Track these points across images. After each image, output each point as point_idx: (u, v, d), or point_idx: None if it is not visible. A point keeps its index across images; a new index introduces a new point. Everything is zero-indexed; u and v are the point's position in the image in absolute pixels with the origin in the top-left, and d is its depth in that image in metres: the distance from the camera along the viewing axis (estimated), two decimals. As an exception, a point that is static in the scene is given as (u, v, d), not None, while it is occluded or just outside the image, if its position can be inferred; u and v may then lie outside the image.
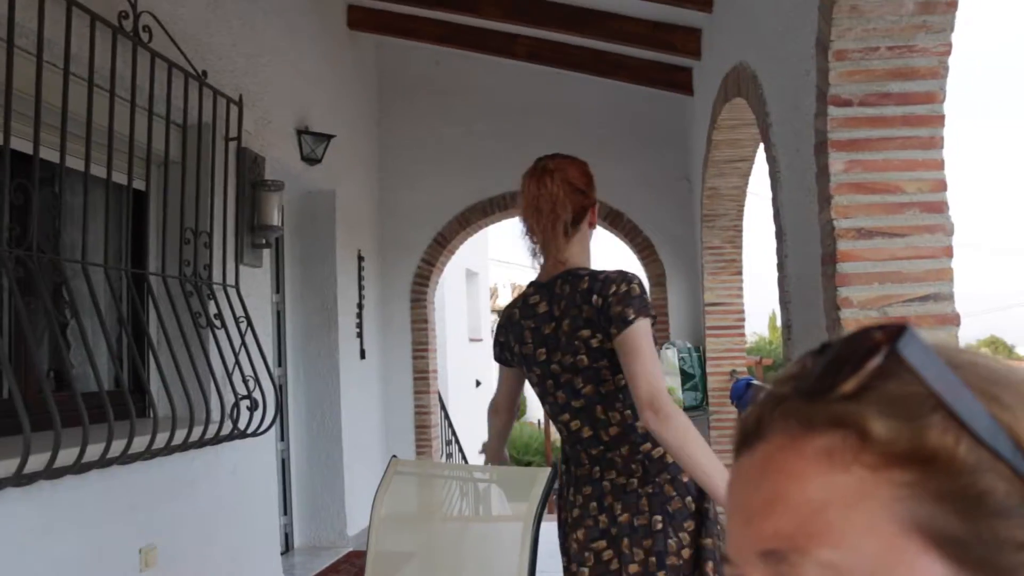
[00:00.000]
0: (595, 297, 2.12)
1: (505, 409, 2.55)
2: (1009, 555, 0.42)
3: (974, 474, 0.43)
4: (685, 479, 2.14)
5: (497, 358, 2.46)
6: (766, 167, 3.72)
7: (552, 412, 2.31)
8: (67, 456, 2.80)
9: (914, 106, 2.66)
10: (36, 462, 2.64)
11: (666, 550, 2.09)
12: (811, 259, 2.97)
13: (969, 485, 0.42)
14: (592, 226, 2.31)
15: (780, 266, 3.53)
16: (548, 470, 2.32)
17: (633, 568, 2.10)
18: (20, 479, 2.62)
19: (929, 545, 0.42)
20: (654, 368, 2.04)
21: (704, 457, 1.97)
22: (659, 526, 2.10)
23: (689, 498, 2.15)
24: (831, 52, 2.67)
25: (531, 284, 2.34)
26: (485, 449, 2.73)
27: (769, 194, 3.68)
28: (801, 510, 0.45)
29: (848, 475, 0.44)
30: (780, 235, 3.51)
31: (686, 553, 2.12)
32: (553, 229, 2.21)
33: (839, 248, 2.68)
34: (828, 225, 2.72)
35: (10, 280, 2.67)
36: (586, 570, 2.17)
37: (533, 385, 2.37)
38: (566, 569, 2.27)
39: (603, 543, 2.15)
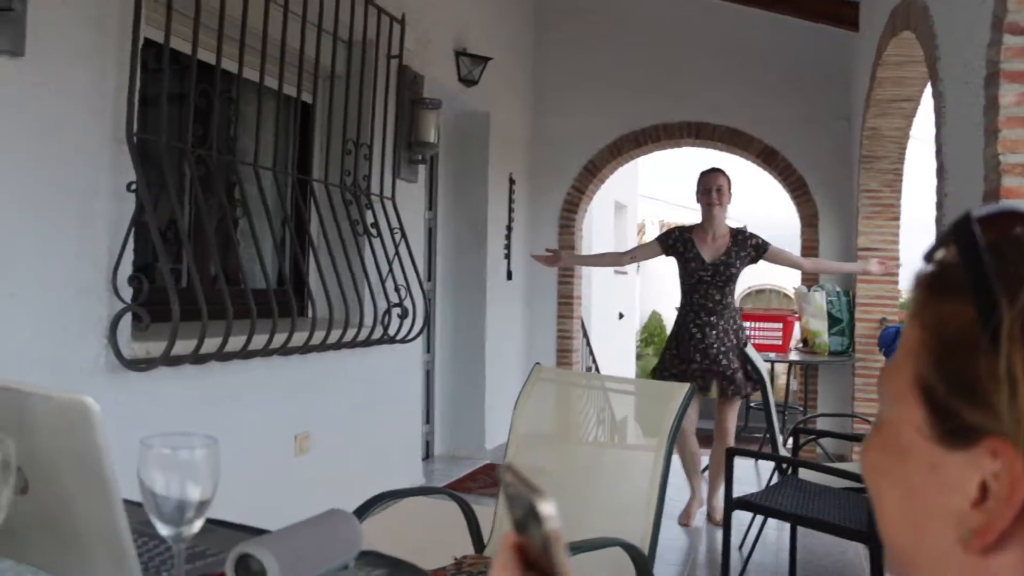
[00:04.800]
0: None
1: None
2: (965, 417, 0.51)
3: (961, 352, 0.51)
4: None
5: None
6: (931, 106, 3.56)
7: None
8: (235, 343, 3.07)
9: (1097, 34, 2.50)
10: (210, 345, 2.92)
11: None
12: (973, 197, 2.86)
13: (959, 362, 0.51)
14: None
15: (939, 205, 3.40)
16: (687, 386, 2.37)
17: None
18: (196, 358, 2.90)
19: (920, 395, 0.54)
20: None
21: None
22: None
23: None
24: (1011, -25, 2.53)
25: None
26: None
27: (933, 136, 3.54)
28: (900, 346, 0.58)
29: (913, 328, 0.56)
30: (941, 173, 3.37)
31: None
32: None
33: (1003, 184, 2.58)
34: (993, 160, 2.62)
35: (192, 175, 2.92)
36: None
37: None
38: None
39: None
